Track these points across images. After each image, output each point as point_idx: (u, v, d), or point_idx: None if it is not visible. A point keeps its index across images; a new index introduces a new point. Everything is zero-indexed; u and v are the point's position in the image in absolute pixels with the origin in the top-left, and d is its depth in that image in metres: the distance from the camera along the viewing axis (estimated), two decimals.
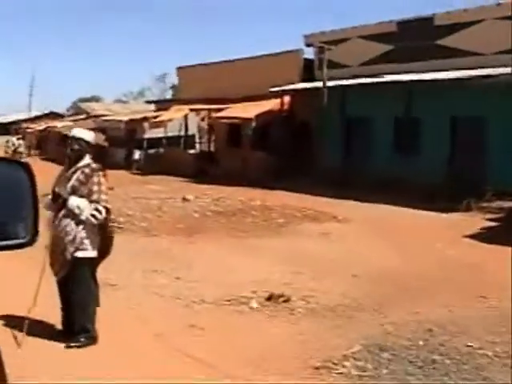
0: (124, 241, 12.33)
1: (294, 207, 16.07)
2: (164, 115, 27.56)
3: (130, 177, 26.71)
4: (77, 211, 5.42)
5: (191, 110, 26.65)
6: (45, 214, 5.28)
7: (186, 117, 27.91)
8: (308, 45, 23.68)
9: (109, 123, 33.61)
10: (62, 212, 5.48)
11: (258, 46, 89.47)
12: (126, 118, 30.66)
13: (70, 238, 5.42)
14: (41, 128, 43.02)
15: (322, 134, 22.12)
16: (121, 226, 13.99)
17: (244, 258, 10.67)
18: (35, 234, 1.77)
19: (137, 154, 29.67)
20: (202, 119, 30.16)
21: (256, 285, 8.74)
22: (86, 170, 5.70)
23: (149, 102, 38.82)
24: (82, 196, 5.54)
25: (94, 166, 5.82)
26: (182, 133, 29.78)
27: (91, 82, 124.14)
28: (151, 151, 30.00)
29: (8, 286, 7.12)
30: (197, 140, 31.23)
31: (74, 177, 5.63)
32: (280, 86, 22.55)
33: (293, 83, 22.87)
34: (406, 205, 16.02)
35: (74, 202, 5.45)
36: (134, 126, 30.29)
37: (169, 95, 60.19)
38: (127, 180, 24.67)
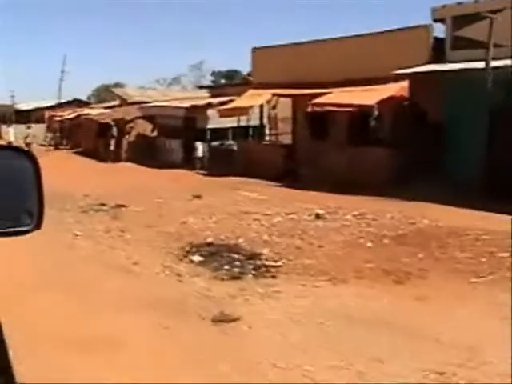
0: (302, 296, 7.87)
1: (493, 231, 11.41)
2: (237, 101, 22.83)
3: (201, 179, 22.01)
4: None
5: (274, 95, 21.95)
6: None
7: (262, 105, 23.23)
8: (436, 20, 18.86)
9: (158, 110, 28.78)
10: None
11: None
12: (185, 105, 25.84)
13: None
14: (70, 116, 37.96)
15: (458, 128, 17.41)
16: (276, 263, 9.42)
17: None
18: (40, 221, 1.74)
19: (200, 149, 24.87)
20: (273, 107, 25.42)
21: None
22: None
23: (202, 88, 34.04)
24: None
25: None
26: (252, 123, 25.05)
27: (109, 68, 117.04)
28: (215, 144, 25.30)
29: None
30: (267, 131, 26.52)
31: None
32: (396, 68, 17.83)
33: (413, 66, 18.11)
34: None
35: None
36: (195, 113, 25.47)
37: (207, 82, 55.27)
38: (204, 184, 20.02)
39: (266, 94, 21.98)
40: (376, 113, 17.16)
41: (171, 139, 27.45)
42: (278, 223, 12.54)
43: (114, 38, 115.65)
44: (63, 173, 23.81)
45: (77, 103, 48.97)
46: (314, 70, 21.21)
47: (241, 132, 25.62)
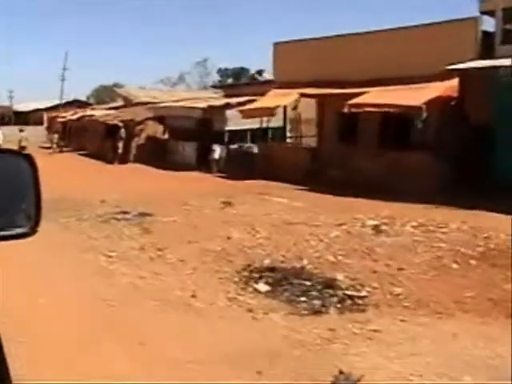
0: (410, 337, 6.36)
1: None
2: (261, 101, 21.27)
3: (222, 182, 20.46)
4: None
5: (302, 95, 20.38)
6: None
7: (285, 106, 21.54)
8: (484, 12, 17.31)
9: (170, 111, 27.17)
10: None
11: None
12: (202, 105, 24.23)
13: None
14: (74, 117, 36.19)
15: (509, 130, 15.96)
16: (359, 293, 7.89)
17: None
18: (36, 224, 1.72)
19: (217, 151, 23.32)
20: (294, 108, 23.79)
21: None
22: None
23: (215, 87, 32.43)
24: None
25: None
26: (272, 124, 23.50)
27: (106, 69, 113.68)
28: (233, 146, 23.75)
29: None
30: (288, 133, 24.97)
31: None
32: (439, 66, 16.34)
33: (459, 63, 16.62)
34: None
35: None
36: (211, 114, 23.87)
37: (212, 80, 53.58)
38: (227, 188, 18.47)
39: (293, 94, 20.40)
40: (425, 114, 15.55)
41: (184, 141, 25.89)
42: (335, 238, 10.97)
43: (111, 37, 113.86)
44: (72, 176, 22.27)
45: (77, 104, 47.27)
46: (344, 67, 19.77)
47: (260, 134, 24.09)
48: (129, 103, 37.10)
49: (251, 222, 12.57)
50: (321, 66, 20.43)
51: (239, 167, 21.96)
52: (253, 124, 23.50)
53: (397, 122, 18.06)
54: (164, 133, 28.52)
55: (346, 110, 17.28)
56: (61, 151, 34.85)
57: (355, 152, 18.85)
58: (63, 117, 38.53)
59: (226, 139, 23.85)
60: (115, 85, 65.95)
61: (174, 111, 26.34)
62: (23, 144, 31.41)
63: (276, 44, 22.76)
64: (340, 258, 9.58)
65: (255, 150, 23.30)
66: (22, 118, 45.56)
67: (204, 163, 23.79)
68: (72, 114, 37.98)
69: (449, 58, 16.42)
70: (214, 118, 23.98)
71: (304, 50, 21.58)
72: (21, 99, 56.50)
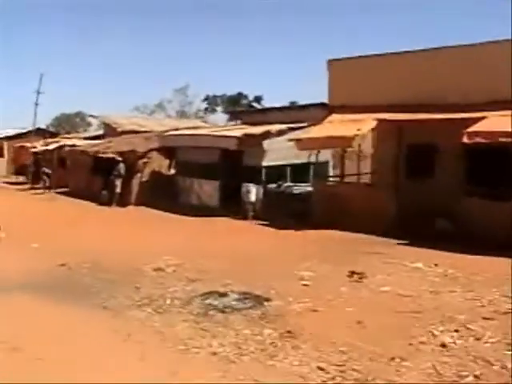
0: None
1: None
2: (322, 129, 16.99)
3: (279, 233, 15.90)
4: None
5: (380, 120, 16.20)
6: None
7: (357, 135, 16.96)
8: None
9: (183, 141, 22.41)
10: None
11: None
12: (237, 134, 19.54)
13: None
14: (50, 148, 30.49)
15: None
16: None
17: None
18: None
19: (253, 192, 18.83)
20: None
21: None
22: None
23: (229, 113, 27.97)
24: None
25: None
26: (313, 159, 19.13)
27: (64, 96, 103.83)
28: (271, 186, 19.27)
29: None
30: (331, 170, 20.64)
31: None
32: None
33: None
34: None
35: None
36: (242, 146, 19.23)
37: (193, 109, 49.00)
38: (309, 244, 14.06)
39: (368, 120, 16.17)
40: None
41: (201, 179, 21.27)
42: None
43: (68, 63, 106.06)
44: (80, 225, 17.36)
45: (41, 133, 41.51)
46: (423, 88, 16.06)
47: (298, 170, 19.66)
48: (110, 132, 32.22)
49: (435, 308, 8.19)
50: (397, 87, 16.55)
51: (282, 212, 17.59)
52: (289, 159, 19.10)
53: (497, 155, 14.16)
54: (169, 168, 23.77)
55: (465, 140, 13.18)
56: (33, 188, 29.35)
57: (449, 193, 14.74)
58: (34, 147, 32.96)
59: (263, 177, 19.27)
60: (78, 113, 60.81)
61: (192, 141, 21.56)
62: None
63: (331, 61, 18.54)
64: None
65: (296, 190, 18.93)
66: None
67: (229, 206, 19.24)
68: (43, 144, 32.54)
69: None
70: (245, 151, 19.44)
71: (368, 69, 17.64)
72: None
